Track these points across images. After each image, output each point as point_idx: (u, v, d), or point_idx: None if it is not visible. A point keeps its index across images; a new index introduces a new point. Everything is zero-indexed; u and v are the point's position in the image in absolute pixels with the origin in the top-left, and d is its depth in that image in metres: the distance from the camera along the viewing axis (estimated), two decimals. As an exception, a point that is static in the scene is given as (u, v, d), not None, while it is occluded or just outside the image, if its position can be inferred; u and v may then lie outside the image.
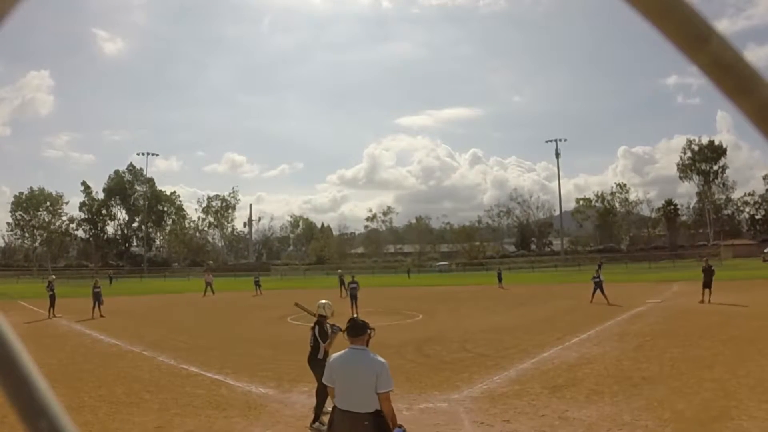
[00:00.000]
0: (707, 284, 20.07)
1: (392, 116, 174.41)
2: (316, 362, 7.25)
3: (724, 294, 20.51)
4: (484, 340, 13.53)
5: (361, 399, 4.41)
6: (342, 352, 4.65)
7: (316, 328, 7.36)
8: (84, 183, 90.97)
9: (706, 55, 0.40)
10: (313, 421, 7.00)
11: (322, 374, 6.88)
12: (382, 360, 4.50)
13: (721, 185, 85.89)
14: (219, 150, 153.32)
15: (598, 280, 21.49)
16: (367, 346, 4.67)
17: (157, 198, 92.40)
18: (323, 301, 7.59)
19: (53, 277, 24.37)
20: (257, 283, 34.88)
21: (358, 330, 4.62)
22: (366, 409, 4.40)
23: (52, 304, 21.34)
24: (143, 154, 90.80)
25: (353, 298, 21.02)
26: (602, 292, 21.16)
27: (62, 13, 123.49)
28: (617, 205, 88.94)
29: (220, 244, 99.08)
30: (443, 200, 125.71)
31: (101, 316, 20.71)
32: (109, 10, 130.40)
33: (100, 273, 53.89)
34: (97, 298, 21.29)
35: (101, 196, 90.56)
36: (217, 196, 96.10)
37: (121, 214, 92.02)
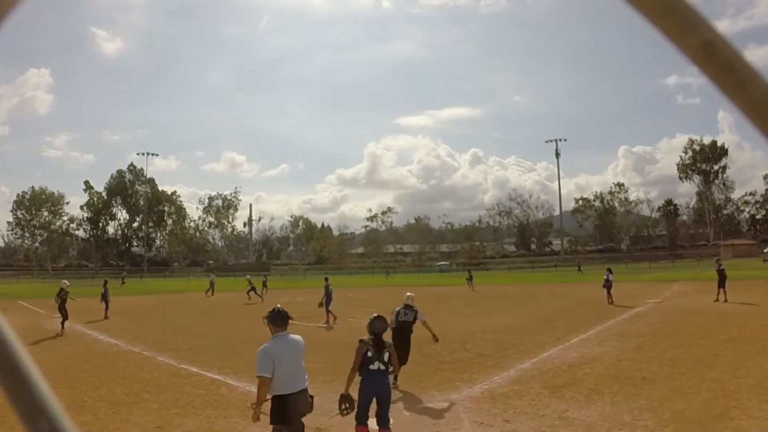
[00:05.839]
0: (722, 284, 20.46)
1: (392, 116, 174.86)
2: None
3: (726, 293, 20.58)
4: (484, 340, 13.53)
5: (302, 377, 4.98)
6: (275, 340, 5.01)
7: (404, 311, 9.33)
8: (86, 183, 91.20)
9: (705, 54, 0.40)
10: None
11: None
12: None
13: (721, 185, 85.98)
14: (218, 149, 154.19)
15: (607, 281, 21.55)
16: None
17: (157, 198, 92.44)
18: (410, 293, 9.95)
19: (66, 282, 19.33)
20: (264, 284, 34.96)
21: (285, 318, 5.14)
22: (306, 384, 4.99)
23: (64, 314, 17.66)
24: (143, 154, 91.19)
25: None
26: (608, 292, 21.25)
27: (62, 13, 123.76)
28: (617, 204, 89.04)
29: (220, 244, 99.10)
30: (443, 200, 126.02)
31: (106, 316, 20.69)
32: (108, 9, 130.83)
33: (101, 274, 53.70)
34: (104, 299, 21.41)
35: (103, 195, 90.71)
36: (219, 195, 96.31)
37: (122, 214, 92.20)
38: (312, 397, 5.06)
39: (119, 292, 35.65)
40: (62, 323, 17.05)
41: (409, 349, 9.25)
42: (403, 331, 9.22)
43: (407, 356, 9.12)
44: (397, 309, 9.44)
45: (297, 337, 5.17)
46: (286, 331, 5.10)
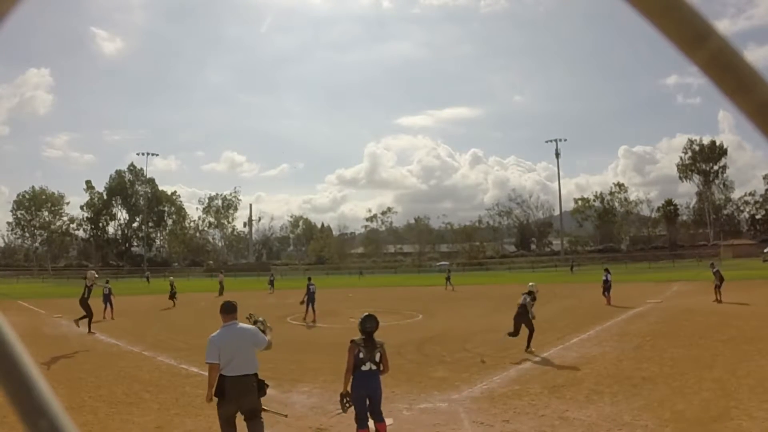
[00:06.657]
0: (717, 285, 20.48)
1: (392, 116, 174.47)
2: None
3: (723, 294, 20.55)
4: (484, 340, 13.50)
5: (249, 362, 5.40)
6: (222, 330, 5.50)
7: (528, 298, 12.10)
8: (88, 182, 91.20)
9: (705, 54, 0.40)
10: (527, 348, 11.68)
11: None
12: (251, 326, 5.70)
13: (721, 185, 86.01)
14: (218, 149, 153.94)
15: (606, 282, 21.61)
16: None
17: (158, 198, 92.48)
18: (532, 283, 12.53)
19: (94, 273, 17.35)
20: (271, 282, 34.86)
21: (232, 308, 5.60)
22: (253, 370, 5.41)
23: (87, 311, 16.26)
24: (143, 154, 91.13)
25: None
26: (607, 292, 21.28)
27: (62, 13, 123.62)
28: (617, 205, 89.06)
29: (220, 244, 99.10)
30: (443, 200, 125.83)
31: (111, 317, 20.53)
32: (108, 9, 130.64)
33: (101, 274, 53.53)
34: (107, 300, 20.96)
35: (103, 195, 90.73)
36: (218, 195, 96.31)
37: (122, 214, 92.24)
38: (262, 382, 5.50)
39: (121, 292, 35.62)
40: (88, 321, 15.81)
41: (533, 326, 11.88)
42: (523, 311, 11.94)
43: (532, 330, 11.87)
44: (523, 294, 12.27)
45: (246, 326, 5.66)
46: (236, 320, 5.57)
